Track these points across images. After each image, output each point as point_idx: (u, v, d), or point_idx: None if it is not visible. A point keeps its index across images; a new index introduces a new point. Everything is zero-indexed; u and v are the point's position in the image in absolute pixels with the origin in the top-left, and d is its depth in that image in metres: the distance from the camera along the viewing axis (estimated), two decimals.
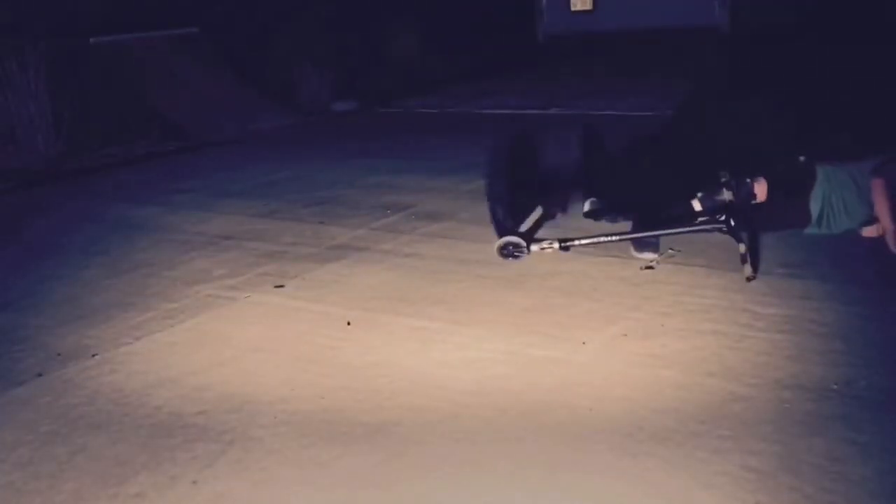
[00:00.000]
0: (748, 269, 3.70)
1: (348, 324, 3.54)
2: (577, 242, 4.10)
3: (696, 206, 4.06)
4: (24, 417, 2.93)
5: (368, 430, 2.69)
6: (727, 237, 3.93)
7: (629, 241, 4.09)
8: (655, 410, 2.69)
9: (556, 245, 4.10)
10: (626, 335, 3.26)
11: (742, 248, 3.74)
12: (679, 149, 5.87)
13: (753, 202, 4.02)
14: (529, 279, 3.91)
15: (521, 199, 4.86)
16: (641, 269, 3.95)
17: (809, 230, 4.02)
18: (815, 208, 3.94)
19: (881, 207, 3.80)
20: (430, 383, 2.98)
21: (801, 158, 4.00)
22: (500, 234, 4.28)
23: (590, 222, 4.39)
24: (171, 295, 4.02)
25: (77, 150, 7.93)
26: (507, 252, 4.12)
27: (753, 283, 3.68)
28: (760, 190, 4.03)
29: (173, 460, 2.60)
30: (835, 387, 2.78)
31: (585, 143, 6.43)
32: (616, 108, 8.14)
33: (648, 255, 4.05)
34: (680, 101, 7.84)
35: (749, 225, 3.94)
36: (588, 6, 10.79)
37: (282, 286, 4.02)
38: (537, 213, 4.52)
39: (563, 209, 4.82)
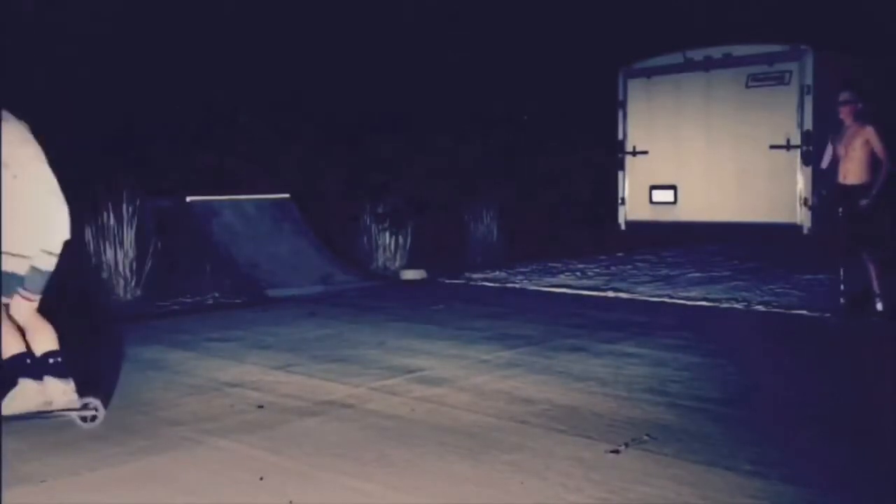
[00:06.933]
0: None
1: (261, 479, 3.53)
2: None
3: None
4: None
5: None
6: None
7: None
8: None
9: None
10: None
11: None
12: None
13: None
14: (490, 452, 3.79)
15: None
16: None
17: None
18: None
19: None
20: None
21: None
22: None
23: None
24: (150, 433, 4.14)
25: (154, 297, 8.51)
26: None
27: None
28: None
29: None
30: None
31: None
32: (676, 297, 8.01)
33: None
34: None
35: None
36: (670, 198, 10.87)
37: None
38: None
39: None
